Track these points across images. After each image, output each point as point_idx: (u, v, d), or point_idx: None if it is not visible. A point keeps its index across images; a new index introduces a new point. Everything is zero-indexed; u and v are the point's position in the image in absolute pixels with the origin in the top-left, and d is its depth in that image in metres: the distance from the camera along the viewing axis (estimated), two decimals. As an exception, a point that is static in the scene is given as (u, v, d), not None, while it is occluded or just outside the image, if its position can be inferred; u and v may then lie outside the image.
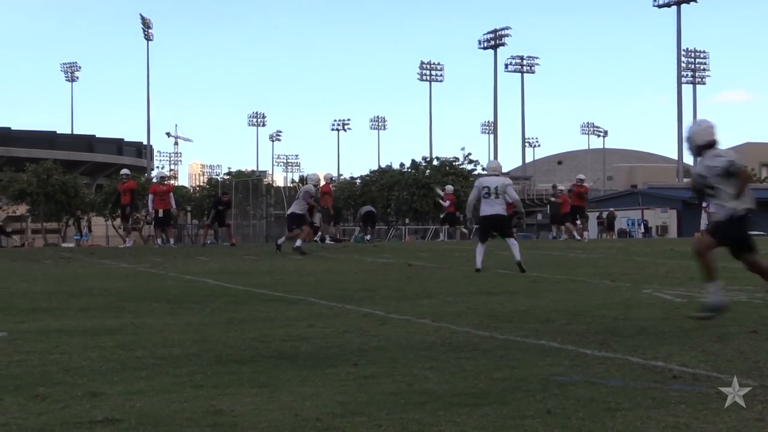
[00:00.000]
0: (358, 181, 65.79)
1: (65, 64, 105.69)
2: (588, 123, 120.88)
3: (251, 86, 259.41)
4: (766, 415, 4.48)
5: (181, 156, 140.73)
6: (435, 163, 57.97)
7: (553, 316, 8.47)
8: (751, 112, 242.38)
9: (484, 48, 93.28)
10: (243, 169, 70.37)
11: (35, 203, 52.32)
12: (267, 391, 5.09)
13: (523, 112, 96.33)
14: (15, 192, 51.91)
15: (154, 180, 37.92)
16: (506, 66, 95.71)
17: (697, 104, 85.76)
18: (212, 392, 5.06)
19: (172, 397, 4.95)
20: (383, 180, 58.63)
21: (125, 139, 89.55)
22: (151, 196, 26.04)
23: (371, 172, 64.21)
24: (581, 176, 30.37)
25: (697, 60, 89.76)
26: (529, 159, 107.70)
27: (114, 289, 11.59)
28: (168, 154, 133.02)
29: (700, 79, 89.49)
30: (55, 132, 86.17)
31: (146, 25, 77.21)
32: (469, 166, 56.80)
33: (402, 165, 59.97)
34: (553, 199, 31.46)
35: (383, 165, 65.26)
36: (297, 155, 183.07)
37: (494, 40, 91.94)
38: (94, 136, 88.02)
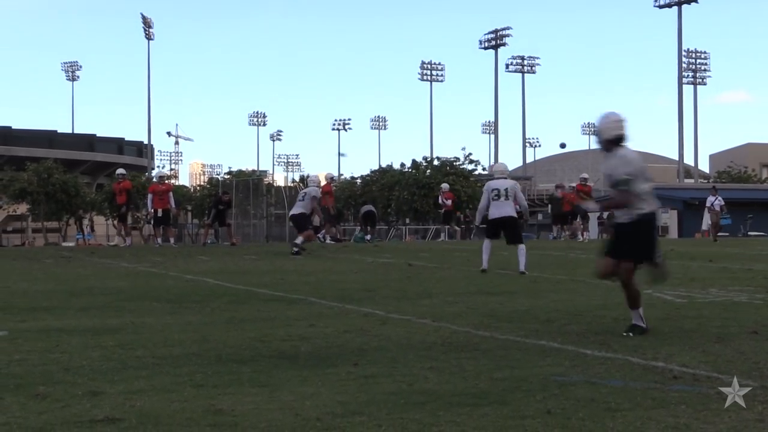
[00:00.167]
0: (359, 180, 65.80)
1: (66, 63, 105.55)
2: (588, 123, 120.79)
3: (252, 86, 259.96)
4: (766, 416, 4.49)
5: (181, 155, 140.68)
6: (435, 163, 57.94)
7: (553, 316, 8.47)
8: (751, 113, 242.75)
9: (485, 48, 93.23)
10: (243, 169, 70.47)
11: (36, 202, 52.32)
12: (267, 390, 5.10)
13: (524, 112, 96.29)
14: (15, 191, 51.92)
15: (154, 179, 37.94)
16: (507, 66, 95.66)
17: (697, 105, 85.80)
18: (212, 392, 5.07)
19: (172, 396, 4.95)
20: (384, 180, 58.62)
21: (126, 139, 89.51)
22: (150, 196, 26.05)
23: (372, 171, 64.24)
24: (585, 175, 30.27)
25: (698, 60, 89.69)
26: (529, 159, 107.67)
27: (114, 289, 11.60)
28: (169, 154, 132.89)
29: (700, 80, 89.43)
30: (55, 131, 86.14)
31: (147, 24, 77.15)
32: (470, 166, 56.75)
33: (402, 165, 59.98)
34: (557, 190, 31.32)
35: (384, 165, 65.29)
36: (297, 155, 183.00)
37: (495, 40, 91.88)
38: (95, 135, 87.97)
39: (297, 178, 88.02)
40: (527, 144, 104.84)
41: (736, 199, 49.86)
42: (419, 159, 59.85)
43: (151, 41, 77.26)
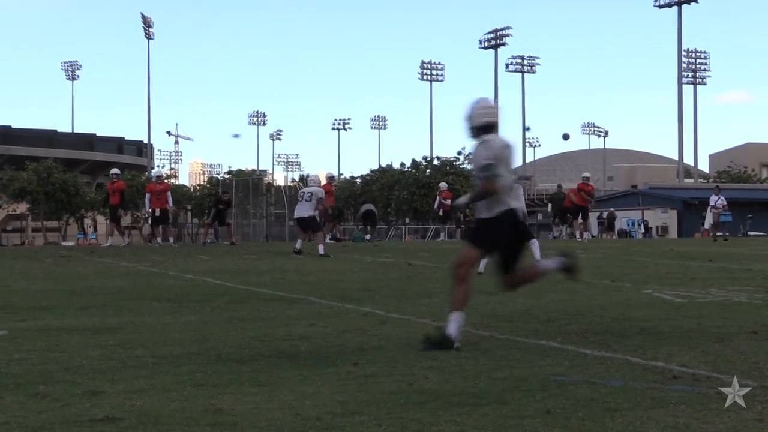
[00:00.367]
0: (359, 180, 65.83)
1: (66, 62, 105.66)
2: (588, 123, 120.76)
3: (252, 85, 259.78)
4: (765, 416, 4.48)
5: (181, 155, 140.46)
6: (435, 162, 57.98)
7: (553, 316, 8.47)
8: (751, 113, 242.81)
9: (485, 48, 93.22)
10: (243, 168, 70.55)
11: (35, 202, 52.40)
12: (267, 390, 5.10)
13: (524, 112, 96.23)
14: (15, 190, 52.00)
15: (152, 179, 37.98)
16: (507, 66, 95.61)
17: (697, 105, 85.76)
18: (212, 391, 5.06)
19: (172, 395, 4.95)
20: (384, 179, 58.70)
21: (126, 138, 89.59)
22: (148, 195, 26.04)
23: (372, 171, 64.27)
24: (587, 174, 30.23)
25: (698, 60, 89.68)
26: (529, 159, 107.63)
27: (114, 288, 11.59)
28: (168, 153, 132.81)
29: (700, 80, 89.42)
30: (55, 130, 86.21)
31: (147, 23, 77.19)
32: (470, 166, 56.82)
33: (402, 164, 60.10)
34: (559, 188, 31.36)
35: (384, 164, 65.33)
36: (297, 154, 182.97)
37: (495, 40, 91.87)
38: (95, 134, 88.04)
39: (297, 178, 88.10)
40: (527, 144, 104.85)
41: (735, 199, 49.90)
42: (419, 159, 60.00)
43: (151, 41, 77.42)
